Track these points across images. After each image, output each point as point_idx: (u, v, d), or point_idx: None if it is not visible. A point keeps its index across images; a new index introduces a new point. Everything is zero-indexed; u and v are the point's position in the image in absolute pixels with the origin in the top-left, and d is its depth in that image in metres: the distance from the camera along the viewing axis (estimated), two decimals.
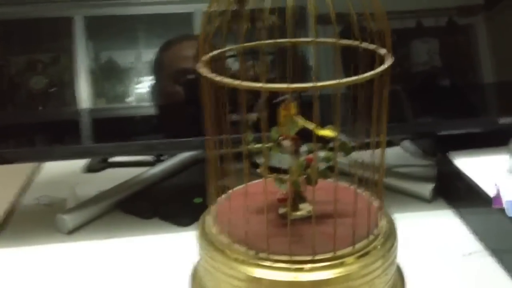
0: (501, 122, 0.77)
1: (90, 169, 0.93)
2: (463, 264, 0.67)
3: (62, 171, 0.93)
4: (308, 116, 0.52)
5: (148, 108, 0.77)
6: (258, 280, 0.50)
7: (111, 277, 0.66)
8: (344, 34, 0.50)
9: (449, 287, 0.63)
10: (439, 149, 0.82)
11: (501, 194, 0.66)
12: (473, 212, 0.73)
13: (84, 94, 0.75)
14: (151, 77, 0.78)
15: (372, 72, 0.47)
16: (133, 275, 0.67)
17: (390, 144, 0.95)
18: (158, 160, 0.92)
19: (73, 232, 0.75)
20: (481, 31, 0.79)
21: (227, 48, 0.53)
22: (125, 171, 0.89)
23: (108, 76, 0.77)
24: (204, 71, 0.49)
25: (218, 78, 0.47)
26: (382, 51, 0.51)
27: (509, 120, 0.77)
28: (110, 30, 0.79)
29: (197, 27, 0.79)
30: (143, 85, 0.77)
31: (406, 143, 0.95)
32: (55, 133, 0.76)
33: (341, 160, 0.53)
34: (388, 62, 0.49)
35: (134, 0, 0.79)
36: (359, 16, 0.46)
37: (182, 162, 0.89)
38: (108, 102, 0.77)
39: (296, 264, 0.50)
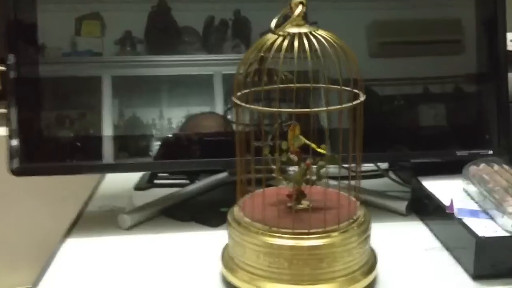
0: (459, 154, 1.01)
1: (138, 187, 1.17)
2: (425, 256, 0.89)
3: (116, 189, 1.17)
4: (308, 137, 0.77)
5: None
6: (271, 245, 0.73)
7: (159, 263, 0.87)
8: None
9: (412, 271, 0.85)
10: (414, 176, 1.05)
11: (453, 203, 0.89)
12: (435, 220, 0.96)
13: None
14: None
15: (349, 104, 0.72)
16: (174, 262, 0.87)
17: (379, 175, 1.18)
18: (191, 183, 1.16)
19: (131, 228, 0.98)
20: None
21: (256, 88, 0.77)
22: (166, 190, 1.12)
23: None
24: (238, 101, 0.74)
25: (247, 105, 0.72)
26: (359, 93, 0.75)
27: (463, 153, 1.00)
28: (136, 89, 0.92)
29: (217, 87, 0.94)
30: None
31: (391, 175, 1.19)
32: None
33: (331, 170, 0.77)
34: (360, 99, 0.74)
35: (158, 62, 0.93)
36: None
37: (210, 183, 1.13)
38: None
39: (297, 235, 0.73)
